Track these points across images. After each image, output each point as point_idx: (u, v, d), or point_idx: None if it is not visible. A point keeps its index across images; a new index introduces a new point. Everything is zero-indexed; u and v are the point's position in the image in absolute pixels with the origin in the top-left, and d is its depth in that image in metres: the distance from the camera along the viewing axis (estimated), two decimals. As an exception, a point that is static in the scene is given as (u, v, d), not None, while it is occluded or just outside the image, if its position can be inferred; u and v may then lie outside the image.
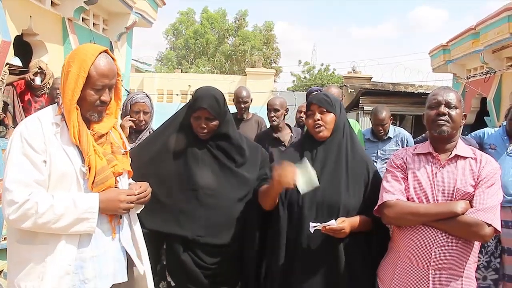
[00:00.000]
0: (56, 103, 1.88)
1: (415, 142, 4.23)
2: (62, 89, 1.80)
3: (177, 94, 13.36)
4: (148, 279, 1.99)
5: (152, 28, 8.63)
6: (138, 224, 2.03)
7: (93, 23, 6.75)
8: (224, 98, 2.38)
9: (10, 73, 4.52)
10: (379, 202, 2.09)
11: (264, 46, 26.89)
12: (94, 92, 1.80)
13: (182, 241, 2.23)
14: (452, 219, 1.93)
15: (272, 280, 2.22)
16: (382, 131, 4.41)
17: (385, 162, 3.81)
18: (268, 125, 4.38)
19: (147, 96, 3.36)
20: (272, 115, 4.02)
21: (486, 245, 3.67)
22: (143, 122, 3.27)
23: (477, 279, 3.54)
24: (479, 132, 4.14)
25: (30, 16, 5.11)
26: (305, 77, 25.69)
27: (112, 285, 1.85)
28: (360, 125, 8.65)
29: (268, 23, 27.89)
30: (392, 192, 2.07)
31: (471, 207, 1.94)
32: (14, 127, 4.27)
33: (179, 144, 2.33)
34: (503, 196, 2.13)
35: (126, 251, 1.91)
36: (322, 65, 25.45)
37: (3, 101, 4.38)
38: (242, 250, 2.31)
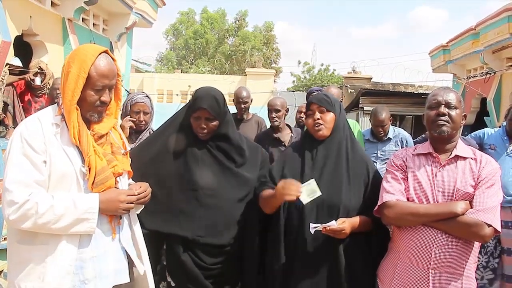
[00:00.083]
0: (56, 104, 1.88)
1: (415, 143, 4.23)
2: (62, 89, 1.80)
3: (177, 95, 13.37)
4: (148, 279, 1.99)
5: (152, 29, 8.64)
6: (138, 224, 2.03)
7: (93, 24, 6.75)
8: (224, 99, 2.38)
9: (10, 74, 4.53)
10: (379, 203, 2.09)
11: (264, 47, 26.89)
12: (94, 92, 1.80)
13: (182, 241, 2.23)
14: (452, 220, 1.93)
15: (273, 280, 2.22)
16: (382, 132, 4.41)
17: (385, 163, 3.81)
18: (268, 125, 4.38)
19: (147, 96, 3.36)
20: (273, 115, 4.02)
21: (485, 245, 3.68)
22: (143, 122, 3.27)
23: (475, 279, 3.56)
24: (479, 132, 4.14)
25: (30, 17, 5.12)
26: (305, 77, 25.69)
27: (114, 286, 1.85)
28: (360, 125, 8.64)
29: (268, 23, 27.91)
30: (392, 192, 2.07)
31: (471, 207, 1.94)
32: (14, 128, 4.27)
33: (179, 144, 2.33)
34: (503, 196, 2.13)
35: (126, 251, 1.91)
36: (322, 65, 25.46)
37: (3, 101, 4.38)
38: (243, 250, 2.31)
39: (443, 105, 2.05)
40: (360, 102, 10.48)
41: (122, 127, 3.08)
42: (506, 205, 3.43)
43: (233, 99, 4.64)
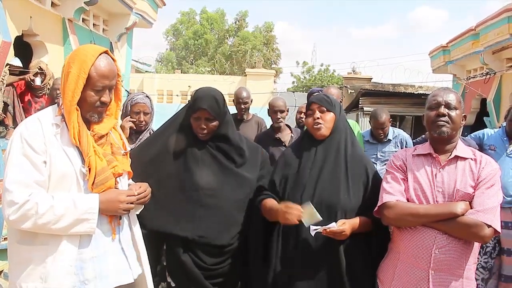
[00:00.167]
0: (56, 104, 1.88)
1: (414, 143, 4.23)
2: (62, 89, 1.80)
3: (177, 95, 13.36)
4: (148, 280, 1.99)
5: (152, 29, 8.64)
6: (137, 225, 2.03)
7: (93, 24, 6.75)
8: (224, 99, 2.38)
9: (10, 74, 4.53)
10: (379, 203, 2.09)
11: (264, 47, 26.90)
12: (94, 93, 1.80)
13: (182, 241, 2.23)
14: (452, 220, 1.93)
15: (273, 281, 2.22)
16: (381, 134, 4.42)
17: (385, 164, 3.81)
18: (268, 126, 4.38)
19: (147, 96, 3.36)
20: (278, 116, 4.02)
21: (484, 246, 3.68)
22: (143, 122, 3.27)
23: (475, 279, 3.56)
24: (479, 133, 4.15)
25: (30, 17, 5.11)
26: (304, 77, 25.70)
27: (116, 286, 1.84)
28: (360, 125, 8.64)
29: (268, 23, 27.92)
30: (392, 193, 2.07)
31: (471, 208, 1.94)
32: (14, 128, 4.27)
33: (179, 144, 2.34)
34: (503, 197, 2.13)
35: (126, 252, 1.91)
36: (321, 65, 25.48)
37: (3, 102, 4.38)
38: (246, 251, 2.32)
39: (443, 106, 2.05)
40: (360, 103, 10.49)
41: (122, 127, 3.08)
42: (506, 205, 3.43)
43: (233, 100, 4.63)
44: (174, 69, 23.20)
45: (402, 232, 2.06)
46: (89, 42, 6.22)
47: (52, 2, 5.53)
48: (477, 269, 3.65)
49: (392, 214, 2.03)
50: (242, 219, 2.32)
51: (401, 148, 4.33)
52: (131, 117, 3.25)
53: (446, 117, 2.04)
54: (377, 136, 4.45)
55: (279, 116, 4.02)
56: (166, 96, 13.66)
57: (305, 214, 2.07)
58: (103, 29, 7.09)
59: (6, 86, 4.46)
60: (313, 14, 56.83)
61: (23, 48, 5.37)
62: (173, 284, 2.27)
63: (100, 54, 1.81)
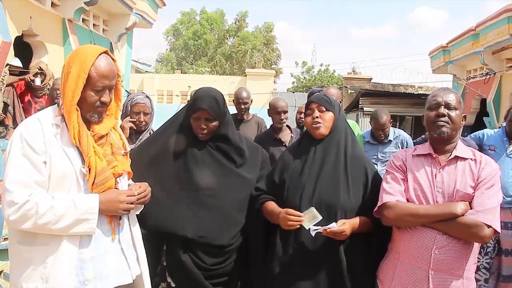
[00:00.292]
0: (56, 104, 1.88)
1: (415, 143, 4.23)
2: (62, 90, 1.80)
3: (177, 95, 13.37)
4: (145, 281, 1.99)
5: (153, 29, 8.65)
6: (137, 225, 2.03)
7: (93, 24, 6.76)
8: (224, 99, 2.38)
9: (10, 74, 4.53)
10: (379, 203, 2.09)
11: (264, 48, 26.91)
12: (94, 93, 1.80)
13: (182, 242, 2.23)
14: (451, 220, 1.93)
15: (273, 281, 2.22)
16: (382, 135, 4.41)
17: (385, 165, 3.80)
18: (268, 126, 4.38)
19: (147, 97, 3.36)
20: (282, 117, 4.01)
21: (484, 246, 3.68)
22: (143, 123, 3.27)
23: (477, 280, 3.57)
24: (479, 133, 4.15)
25: (30, 17, 5.12)
26: (304, 77, 25.71)
27: (115, 287, 1.84)
28: (360, 126, 8.64)
29: (268, 23, 27.93)
30: (392, 193, 2.07)
31: (471, 208, 1.94)
32: (14, 128, 4.28)
33: (179, 145, 2.34)
34: (503, 197, 2.13)
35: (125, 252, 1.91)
36: (321, 65, 25.49)
37: (3, 102, 4.38)
38: (246, 251, 2.32)
39: (442, 106, 2.05)
40: (360, 103, 10.49)
41: (122, 127, 3.08)
42: (505, 206, 3.44)
43: (233, 100, 4.64)
44: (174, 69, 23.20)
45: (402, 232, 2.06)
46: (89, 42, 6.22)
47: (52, 2, 5.53)
48: (479, 269, 3.65)
49: (392, 215, 2.03)
50: (242, 219, 2.32)
51: (402, 149, 4.33)
52: (131, 117, 3.25)
53: (446, 117, 2.04)
54: (378, 137, 4.45)
55: (282, 117, 4.02)
56: (166, 97, 13.67)
57: (306, 219, 2.07)
58: (103, 29, 7.10)
59: (6, 86, 4.47)
60: (313, 14, 56.91)
61: (23, 48, 5.38)
62: (173, 285, 2.27)
63: (100, 54, 1.81)
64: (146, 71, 17.07)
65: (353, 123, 4.24)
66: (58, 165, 1.73)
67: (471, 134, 4.28)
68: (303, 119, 4.29)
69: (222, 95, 2.38)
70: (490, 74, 7.50)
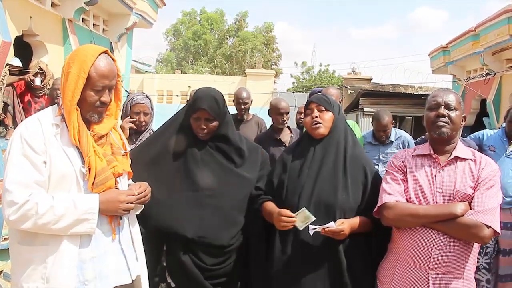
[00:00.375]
0: (56, 104, 1.88)
1: (415, 144, 4.23)
2: (62, 90, 1.80)
3: (177, 95, 13.37)
4: (143, 281, 1.99)
5: (153, 29, 8.65)
6: (137, 225, 2.03)
7: (93, 24, 6.75)
8: (224, 99, 2.38)
9: (10, 74, 4.53)
10: (378, 204, 2.10)
11: (264, 48, 26.91)
12: (94, 93, 1.80)
13: (182, 242, 2.23)
14: (451, 221, 1.93)
15: (273, 281, 2.22)
16: (384, 136, 4.41)
17: (387, 165, 3.81)
18: (268, 126, 4.38)
19: (147, 97, 3.36)
20: (284, 118, 4.01)
21: (484, 246, 3.68)
22: (143, 123, 3.27)
23: (478, 280, 3.57)
24: (479, 133, 4.15)
25: (30, 17, 5.12)
26: (304, 78, 25.71)
27: (115, 286, 1.84)
28: (360, 126, 8.65)
29: (268, 24, 27.93)
30: (392, 193, 2.07)
31: (471, 208, 1.94)
32: (14, 128, 4.28)
33: (179, 145, 2.34)
34: (502, 197, 2.13)
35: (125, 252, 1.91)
36: (320, 65, 25.50)
37: (3, 102, 4.38)
38: (246, 251, 2.32)
39: (442, 107, 2.05)
40: (359, 103, 10.49)
41: (122, 128, 3.08)
42: (505, 206, 3.44)
43: (233, 100, 4.64)
44: (174, 69, 23.20)
45: (402, 232, 2.06)
46: (89, 42, 6.22)
47: (52, 2, 5.53)
48: (479, 270, 3.65)
49: (391, 215, 2.03)
50: (242, 219, 2.32)
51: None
52: (131, 118, 3.25)
53: (446, 117, 2.04)
54: (379, 138, 4.44)
55: (284, 118, 4.01)
56: (166, 97, 13.66)
57: (298, 220, 2.07)
58: (103, 29, 7.09)
59: (6, 86, 4.47)
60: (313, 14, 56.94)
61: (23, 48, 5.38)
62: (173, 285, 2.27)
63: (100, 54, 1.81)
64: (146, 71, 17.06)
65: (352, 123, 4.24)
66: (58, 165, 1.73)
67: (471, 135, 4.28)
68: (303, 119, 4.30)
69: (222, 95, 2.39)
70: (490, 75, 7.50)
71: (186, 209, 2.25)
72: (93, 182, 1.78)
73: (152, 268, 2.17)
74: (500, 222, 1.98)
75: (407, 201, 2.06)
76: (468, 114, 8.11)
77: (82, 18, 6.32)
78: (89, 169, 1.77)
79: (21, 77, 4.77)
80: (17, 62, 4.74)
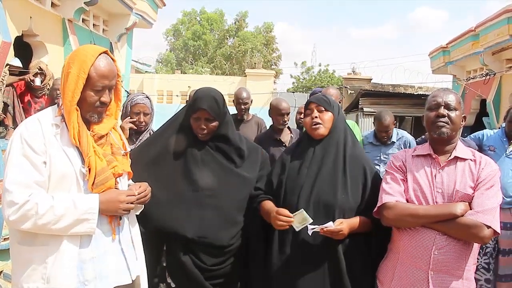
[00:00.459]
0: (56, 104, 1.88)
1: (417, 144, 4.23)
2: (62, 90, 1.80)
3: (177, 95, 13.37)
4: (143, 281, 1.98)
5: (153, 29, 8.65)
6: (136, 225, 2.03)
7: (93, 24, 6.75)
8: (224, 99, 2.38)
9: (10, 74, 4.53)
10: (378, 204, 2.09)
11: (264, 48, 26.90)
12: (94, 93, 1.80)
13: (182, 242, 2.23)
14: (451, 221, 1.93)
15: (272, 281, 2.22)
16: (385, 137, 4.40)
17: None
18: (268, 126, 4.38)
19: (147, 97, 3.36)
20: (285, 119, 4.01)
21: (484, 246, 3.68)
22: (143, 123, 3.27)
23: (477, 280, 3.57)
24: (479, 133, 4.15)
25: (30, 17, 5.12)
26: (304, 78, 25.71)
27: (115, 287, 1.84)
28: (360, 126, 8.65)
29: (268, 24, 27.92)
30: (392, 193, 2.07)
31: (471, 209, 1.94)
32: (14, 128, 4.28)
33: (179, 145, 2.34)
34: (502, 197, 2.13)
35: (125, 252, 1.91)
36: (320, 65, 25.50)
37: (3, 102, 4.38)
38: (246, 252, 2.32)
39: (442, 107, 2.05)
40: (359, 103, 10.49)
41: (122, 128, 3.08)
42: (505, 206, 3.44)
43: (233, 100, 4.64)
44: (174, 69, 23.20)
45: (402, 232, 2.06)
46: (89, 42, 6.22)
47: (52, 2, 5.53)
48: (478, 269, 3.65)
49: (391, 215, 2.03)
50: (242, 219, 2.32)
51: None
52: (131, 118, 3.25)
53: (446, 118, 2.04)
54: (381, 139, 4.43)
55: (285, 119, 4.01)
56: (166, 97, 13.66)
57: (296, 220, 2.07)
58: (103, 29, 7.10)
59: (6, 86, 4.47)
60: (313, 14, 56.96)
61: (23, 48, 5.38)
62: (173, 285, 2.27)
63: (99, 54, 1.81)
64: (146, 71, 17.06)
65: (352, 124, 4.24)
66: (58, 165, 1.73)
67: (471, 135, 4.28)
68: (302, 120, 4.30)
69: (222, 95, 2.39)
70: (490, 75, 7.50)
71: (186, 209, 2.25)
72: (93, 182, 1.78)
73: (152, 269, 2.17)
74: (500, 222, 1.98)
75: (407, 201, 2.06)
76: (468, 114, 8.11)
77: (82, 18, 6.32)
78: (89, 169, 1.77)
79: (21, 77, 4.78)
80: (17, 62, 4.75)
